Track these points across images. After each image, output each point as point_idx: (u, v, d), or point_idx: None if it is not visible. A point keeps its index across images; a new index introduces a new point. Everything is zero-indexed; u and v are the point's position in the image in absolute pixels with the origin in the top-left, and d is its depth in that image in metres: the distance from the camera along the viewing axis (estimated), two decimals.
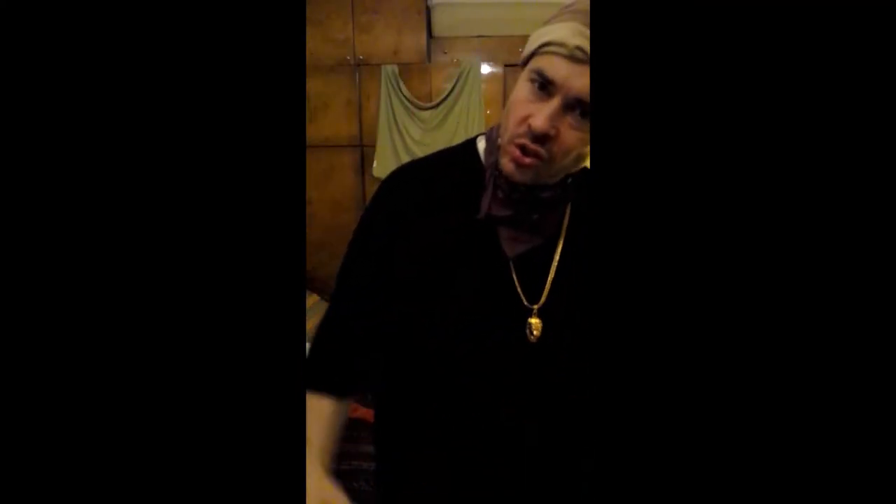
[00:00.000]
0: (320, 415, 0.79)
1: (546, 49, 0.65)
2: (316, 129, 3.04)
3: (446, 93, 2.97)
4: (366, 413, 2.54)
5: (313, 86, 2.98)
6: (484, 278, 0.74)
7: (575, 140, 0.67)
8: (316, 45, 2.98)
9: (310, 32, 2.93)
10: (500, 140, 0.72)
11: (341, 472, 2.04)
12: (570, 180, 0.74)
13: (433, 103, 2.99)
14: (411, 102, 2.99)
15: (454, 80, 2.96)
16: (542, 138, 0.66)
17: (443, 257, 0.74)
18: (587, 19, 0.63)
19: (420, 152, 3.03)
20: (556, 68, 0.65)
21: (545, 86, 0.66)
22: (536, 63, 0.66)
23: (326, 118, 3.04)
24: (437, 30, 3.05)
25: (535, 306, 0.74)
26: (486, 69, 2.97)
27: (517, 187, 0.71)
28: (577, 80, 0.64)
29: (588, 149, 0.69)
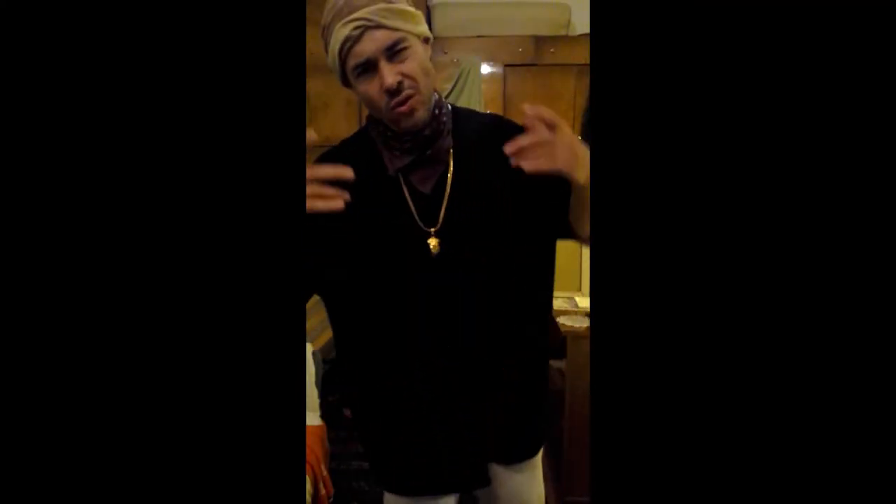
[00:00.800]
0: None
1: (344, 52, 0.85)
2: (316, 129, 3.03)
3: (446, 93, 2.96)
4: None
5: (313, 86, 2.97)
6: (392, 219, 0.94)
7: (415, 68, 0.85)
8: (316, 45, 2.97)
9: (310, 32, 2.91)
10: (380, 122, 0.91)
11: (340, 471, 2.04)
12: (436, 111, 0.93)
13: None
14: None
15: (454, 80, 2.95)
16: (398, 89, 0.85)
17: (359, 214, 0.90)
18: (343, 10, 0.83)
19: None
20: (361, 50, 0.84)
21: (367, 66, 0.85)
22: (350, 64, 0.85)
23: (326, 118, 3.03)
24: (437, 29, 3.04)
25: (433, 229, 0.94)
26: (486, 69, 2.97)
27: (405, 139, 0.91)
28: (374, 40, 0.83)
29: (429, 64, 0.90)
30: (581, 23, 3.09)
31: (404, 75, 0.85)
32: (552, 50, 2.96)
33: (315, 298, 2.92)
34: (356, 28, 0.83)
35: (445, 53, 3.02)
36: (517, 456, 1.07)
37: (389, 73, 0.84)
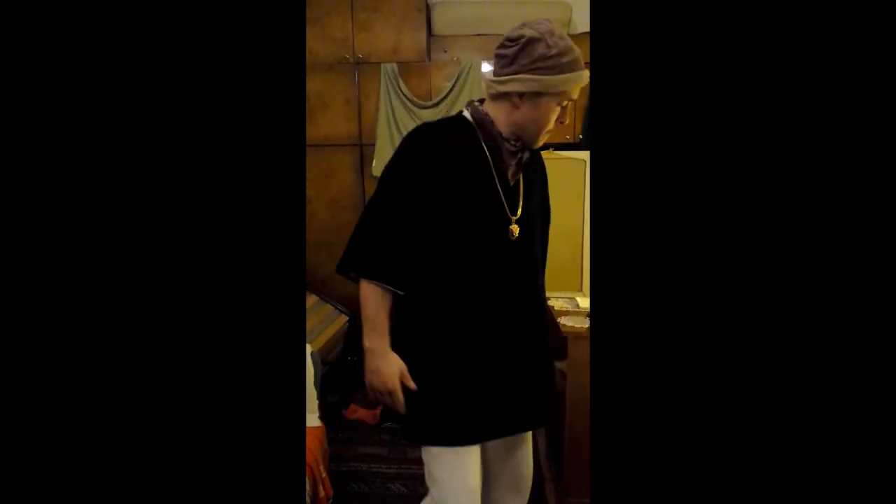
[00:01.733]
0: (378, 298, 1.15)
1: (570, 88, 1.11)
2: (315, 129, 3.03)
3: (446, 91, 2.96)
4: (365, 415, 2.53)
5: (312, 85, 2.97)
6: (485, 202, 1.16)
7: None
8: (315, 43, 2.97)
9: (309, 31, 2.92)
10: (526, 132, 1.16)
11: (339, 473, 2.03)
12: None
13: (433, 102, 2.98)
14: (411, 101, 2.98)
15: (454, 79, 2.95)
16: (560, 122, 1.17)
17: (458, 187, 1.13)
18: (580, 63, 1.11)
19: None
20: (574, 95, 1.14)
21: (565, 103, 1.14)
22: (563, 94, 1.11)
23: (326, 117, 3.03)
24: (437, 28, 3.04)
25: (514, 217, 1.17)
26: (486, 67, 2.96)
27: (512, 146, 1.16)
28: (577, 94, 1.15)
29: None
30: (582, 21, 3.09)
31: None
32: None
33: (314, 298, 2.90)
34: (584, 83, 1.11)
35: (445, 52, 3.02)
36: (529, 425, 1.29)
37: (569, 116, 1.17)
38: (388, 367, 1.13)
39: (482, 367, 1.16)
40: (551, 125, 1.15)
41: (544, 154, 2.93)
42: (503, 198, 1.16)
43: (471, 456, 1.17)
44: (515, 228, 1.16)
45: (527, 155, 1.19)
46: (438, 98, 2.97)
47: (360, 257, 1.16)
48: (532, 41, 1.11)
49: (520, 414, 1.22)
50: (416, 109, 2.98)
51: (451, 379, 1.15)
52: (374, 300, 1.14)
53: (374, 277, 1.14)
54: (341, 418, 2.51)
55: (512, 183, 1.18)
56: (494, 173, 1.16)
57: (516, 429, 1.25)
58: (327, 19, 2.96)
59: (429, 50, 3.01)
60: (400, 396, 1.14)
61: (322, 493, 1.67)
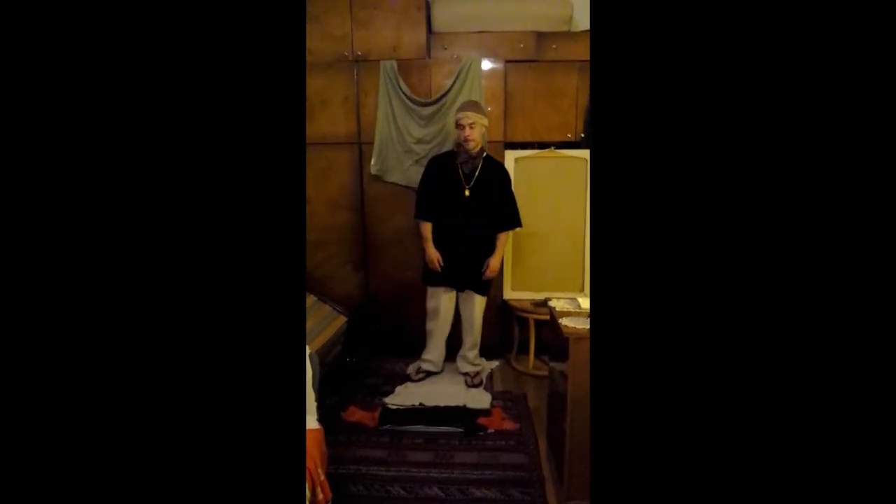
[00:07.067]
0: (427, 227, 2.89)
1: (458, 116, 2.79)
2: (314, 127, 3.02)
3: (446, 89, 2.95)
4: (364, 417, 2.52)
5: (312, 83, 2.96)
6: (453, 181, 2.84)
7: (478, 135, 2.73)
8: (314, 41, 2.96)
9: (308, 29, 2.91)
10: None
11: (339, 476, 2.02)
12: (482, 152, 2.83)
13: (433, 99, 2.97)
14: (410, 99, 2.96)
15: (454, 76, 2.94)
16: (467, 139, 2.76)
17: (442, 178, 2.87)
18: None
19: (419, 150, 3.01)
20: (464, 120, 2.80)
21: (461, 125, 2.77)
22: (458, 123, 2.77)
23: (324, 115, 3.02)
24: (437, 25, 3.02)
25: (468, 187, 2.80)
26: (487, 65, 2.95)
27: (466, 156, 2.80)
28: (465, 118, 2.74)
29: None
30: (583, 19, 3.07)
31: (471, 136, 2.74)
32: (554, 46, 2.94)
33: (313, 298, 2.90)
34: (461, 111, 2.76)
35: (446, 49, 3.00)
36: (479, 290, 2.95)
37: (467, 133, 2.75)
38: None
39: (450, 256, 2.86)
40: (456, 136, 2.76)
41: (546, 153, 2.91)
42: (462, 178, 2.79)
43: (446, 294, 2.94)
44: (468, 192, 2.77)
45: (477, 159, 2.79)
46: (438, 96, 2.96)
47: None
48: None
49: (468, 281, 2.90)
50: (415, 107, 2.97)
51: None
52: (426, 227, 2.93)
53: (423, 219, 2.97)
54: (341, 420, 2.50)
55: (468, 171, 2.79)
56: (460, 168, 2.81)
57: (466, 288, 2.93)
58: (326, 17, 2.94)
59: (429, 47, 3.00)
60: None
61: (321, 496, 1.66)
